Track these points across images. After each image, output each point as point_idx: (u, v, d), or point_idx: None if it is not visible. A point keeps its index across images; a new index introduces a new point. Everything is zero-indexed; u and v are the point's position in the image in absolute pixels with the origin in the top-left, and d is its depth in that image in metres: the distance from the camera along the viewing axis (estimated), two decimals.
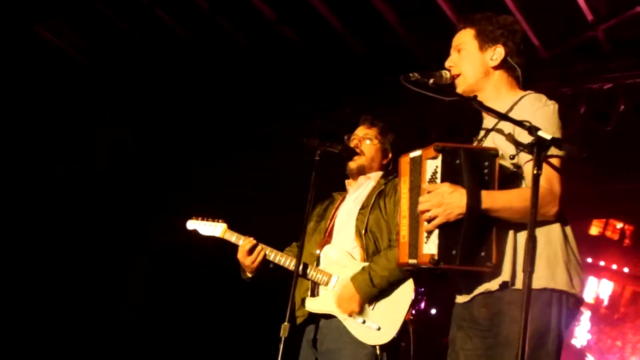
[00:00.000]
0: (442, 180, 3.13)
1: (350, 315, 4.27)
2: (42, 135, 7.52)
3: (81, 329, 7.74)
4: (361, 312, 4.29)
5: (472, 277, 3.33)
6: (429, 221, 3.13)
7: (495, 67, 3.54)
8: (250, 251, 4.48)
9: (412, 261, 3.25)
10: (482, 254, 3.15)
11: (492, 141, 3.40)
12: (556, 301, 3.19)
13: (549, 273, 3.21)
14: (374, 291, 4.25)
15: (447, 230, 3.13)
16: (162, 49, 7.67)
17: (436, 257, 3.11)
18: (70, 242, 7.79)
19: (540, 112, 3.39)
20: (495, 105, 3.43)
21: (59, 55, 7.54)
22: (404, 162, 3.37)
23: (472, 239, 3.13)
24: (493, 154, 3.17)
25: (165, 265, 8.38)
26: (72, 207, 7.76)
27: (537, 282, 3.15)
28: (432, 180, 3.18)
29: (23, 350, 7.27)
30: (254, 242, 4.51)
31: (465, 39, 3.52)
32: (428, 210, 3.12)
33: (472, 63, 3.50)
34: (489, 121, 3.53)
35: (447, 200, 3.09)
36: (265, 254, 4.49)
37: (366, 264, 4.35)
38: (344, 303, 4.28)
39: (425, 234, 3.17)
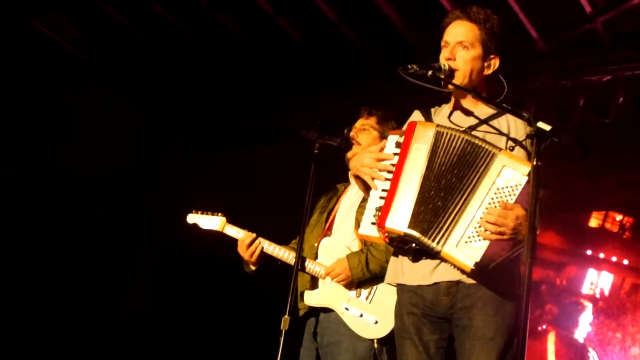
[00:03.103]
0: (517, 201, 3.15)
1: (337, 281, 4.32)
2: (42, 129, 7.50)
3: (84, 323, 7.73)
4: (352, 288, 4.33)
5: (433, 261, 3.37)
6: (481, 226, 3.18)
7: (487, 75, 3.58)
8: (249, 245, 4.49)
9: (411, 232, 3.27)
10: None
11: (483, 135, 3.44)
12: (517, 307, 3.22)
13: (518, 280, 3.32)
14: (366, 274, 4.28)
15: (497, 245, 3.17)
16: (160, 42, 7.65)
17: (477, 266, 3.16)
18: (73, 236, 7.79)
19: None
20: (475, 107, 3.55)
21: (57, 51, 7.51)
22: (426, 129, 3.39)
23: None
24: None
25: (167, 259, 8.37)
26: (72, 201, 7.75)
27: (513, 288, 3.30)
28: (503, 190, 3.19)
29: (22, 346, 7.26)
30: (254, 235, 4.53)
31: (472, 39, 3.50)
32: (496, 223, 3.14)
33: (473, 66, 3.51)
34: (470, 117, 3.56)
35: (521, 227, 3.12)
36: (263, 248, 4.50)
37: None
38: (335, 276, 4.32)
39: (470, 235, 3.19)
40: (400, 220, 3.30)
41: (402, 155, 3.38)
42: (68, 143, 7.65)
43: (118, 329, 7.96)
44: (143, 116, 8.46)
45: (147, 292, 8.37)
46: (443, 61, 3.47)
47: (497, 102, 3.44)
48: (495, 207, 3.17)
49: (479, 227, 3.18)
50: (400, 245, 3.43)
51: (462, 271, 3.27)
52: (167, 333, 8.08)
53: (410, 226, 3.29)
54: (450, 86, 3.45)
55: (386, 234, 3.39)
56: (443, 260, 3.30)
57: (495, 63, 3.56)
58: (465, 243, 3.19)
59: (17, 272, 7.31)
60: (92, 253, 7.91)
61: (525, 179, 3.13)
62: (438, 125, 3.39)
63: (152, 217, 8.35)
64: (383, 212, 3.34)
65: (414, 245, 3.35)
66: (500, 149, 3.26)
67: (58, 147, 7.61)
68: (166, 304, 8.20)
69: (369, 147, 4.33)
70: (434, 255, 3.31)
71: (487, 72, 3.55)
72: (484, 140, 3.31)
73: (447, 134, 3.34)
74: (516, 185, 3.16)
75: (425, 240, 3.26)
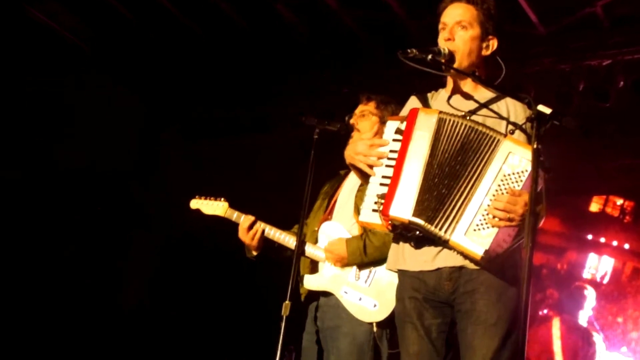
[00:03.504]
0: (525, 187, 3.13)
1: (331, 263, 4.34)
2: (42, 118, 7.48)
3: (85, 319, 7.73)
4: (350, 271, 4.34)
5: (436, 246, 3.35)
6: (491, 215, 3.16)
7: (485, 56, 3.57)
8: (249, 228, 4.51)
9: (416, 220, 3.25)
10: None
11: (482, 119, 3.42)
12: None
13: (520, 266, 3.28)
14: (364, 259, 4.29)
15: (505, 232, 3.16)
16: (159, 31, 7.64)
17: (486, 254, 3.14)
18: (71, 228, 7.78)
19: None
20: (474, 91, 3.54)
21: (55, 40, 7.48)
22: (429, 115, 3.37)
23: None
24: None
25: (167, 248, 8.37)
26: (70, 193, 7.73)
27: (516, 274, 3.27)
28: (510, 177, 3.17)
29: (23, 341, 7.25)
30: (253, 219, 4.55)
31: (470, 19, 3.50)
32: (505, 209, 3.12)
33: (472, 47, 3.50)
34: (470, 100, 3.54)
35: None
36: (264, 231, 4.52)
37: None
38: (331, 255, 4.35)
39: (478, 223, 3.18)
40: (404, 208, 3.28)
41: (405, 142, 3.35)
42: (66, 134, 7.63)
43: (120, 320, 7.97)
44: (141, 105, 8.44)
45: (147, 282, 8.37)
46: (442, 44, 3.46)
47: (497, 85, 3.44)
48: (503, 193, 3.16)
49: (487, 214, 3.17)
50: (403, 232, 3.41)
51: (470, 259, 3.25)
52: (168, 323, 8.09)
53: (415, 214, 3.26)
54: (451, 70, 3.44)
55: (389, 222, 3.37)
56: (451, 249, 3.28)
57: (493, 44, 3.55)
58: (474, 231, 3.17)
59: (17, 270, 7.30)
60: (90, 246, 7.90)
61: (530, 165, 3.11)
62: (441, 112, 3.37)
63: (151, 206, 8.35)
64: (387, 199, 3.30)
65: (417, 232, 3.33)
66: (505, 135, 3.26)
67: (56, 139, 7.58)
68: (167, 293, 8.21)
69: (364, 134, 4.34)
70: (441, 243, 3.30)
71: (486, 52, 3.54)
72: (487, 127, 3.29)
73: (449, 120, 3.32)
74: (523, 172, 3.14)
75: (431, 228, 3.24)
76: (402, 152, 3.34)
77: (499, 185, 3.18)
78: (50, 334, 7.43)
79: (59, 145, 7.59)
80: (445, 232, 3.22)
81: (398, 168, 3.33)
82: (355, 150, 3.47)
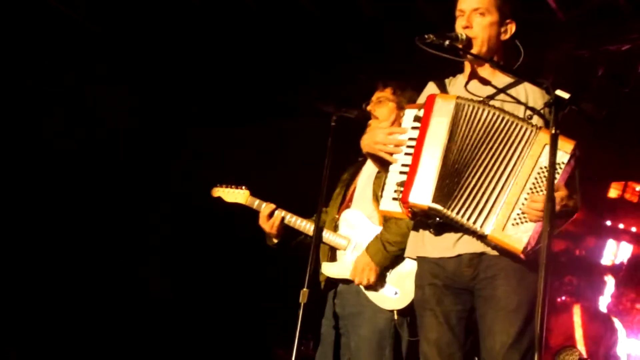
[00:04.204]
0: (560, 180, 3.13)
1: (367, 284, 4.28)
2: (61, 102, 7.50)
3: (98, 301, 7.77)
4: (379, 279, 4.31)
5: (456, 233, 3.36)
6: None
7: (504, 40, 3.55)
8: (269, 216, 4.54)
9: (436, 206, 3.25)
10: None
11: (500, 104, 3.41)
12: None
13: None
14: (388, 258, 4.26)
15: (539, 225, 3.13)
16: (178, 16, 7.62)
17: (525, 248, 3.15)
18: (87, 217, 7.83)
19: None
20: (492, 76, 3.53)
21: (73, 26, 7.48)
22: (446, 101, 3.36)
23: None
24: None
25: (185, 232, 8.39)
26: (89, 180, 7.77)
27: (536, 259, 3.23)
28: (544, 171, 3.14)
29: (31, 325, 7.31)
30: (273, 207, 4.58)
31: (487, 5, 3.48)
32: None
33: (491, 33, 3.49)
34: (487, 86, 3.53)
35: (565, 207, 3.16)
36: (283, 219, 4.54)
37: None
38: (360, 273, 4.29)
39: (516, 217, 3.17)
40: (423, 195, 3.27)
41: (423, 129, 3.35)
42: (83, 119, 7.64)
43: (133, 305, 8.00)
44: (162, 91, 8.43)
45: (162, 268, 8.39)
46: (460, 30, 3.45)
47: (515, 70, 3.43)
48: (540, 186, 3.14)
49: (526, 208, 3.15)
50: (423, 219, 3.42)
51: (509, 253, 3.23)
52: (186, 309, 8.12)
53: (435, 200, 3.26)
54: (468, 55, 3.43)
55: (409, 209, 3.37)
56: (489, 244, 3.28)
57: (511, 28, 3.54)
58: (512, 226, 3.17)
59: (35, 252, 7.35)
60: (108, 231, 7.94)
61: (567, 157, 3.10)
62: (458, 97, 3.36)
63: (170, 192, 8.37)
64: (406, 187, 3.30)
65: (438, 219, 3.33)
66: (540, 127, 3.23)
67: (74, 122, 7.59)
68: (185, 280, 8.23)
69: (381, 123, 4.33)
70: (476, 236, 3.30)
71: (504, 37, 3.53)
72: (517, 117, 3.28)
73: (468, 106, 3.31)
74: (560, 164, 3.11)
75: (454, 215, 3.24)
76: (421, 139, 3.34)
77: (536, 179, 3.17)
78: (65, 319, 7.49)
79: (77, 129, 7.60)
80: (482, 226, 3.21)
81: (417, 155, 3.33)
82: (374, 140, 3.48)
